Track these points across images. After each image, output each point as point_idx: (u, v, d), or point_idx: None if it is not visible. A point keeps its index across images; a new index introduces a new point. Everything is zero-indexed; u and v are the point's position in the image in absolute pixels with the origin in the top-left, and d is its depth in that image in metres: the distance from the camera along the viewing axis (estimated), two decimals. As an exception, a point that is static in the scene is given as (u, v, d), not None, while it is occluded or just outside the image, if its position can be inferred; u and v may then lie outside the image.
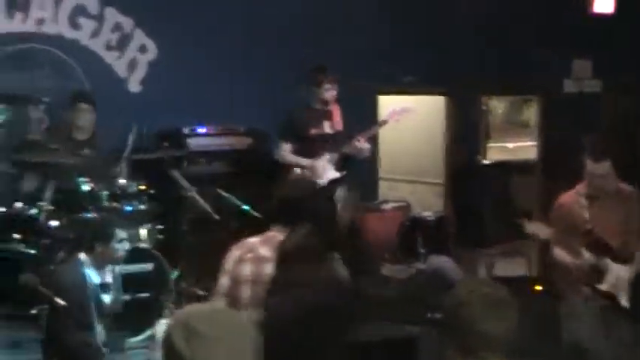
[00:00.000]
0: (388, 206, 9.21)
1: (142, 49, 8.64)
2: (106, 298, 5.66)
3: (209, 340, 2.46)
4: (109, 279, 5.72)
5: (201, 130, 8.37)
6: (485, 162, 10.04)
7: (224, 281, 4.63)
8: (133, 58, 8.60)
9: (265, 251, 4.49)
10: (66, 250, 6.59)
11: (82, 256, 5.66)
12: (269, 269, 4.29)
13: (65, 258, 6.39)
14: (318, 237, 4.04)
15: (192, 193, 7.43)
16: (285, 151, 7.66)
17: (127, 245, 5.74)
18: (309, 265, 3.78)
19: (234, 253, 4.63)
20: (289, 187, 5.10)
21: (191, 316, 2.53)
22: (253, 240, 4.64)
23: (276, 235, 4.50)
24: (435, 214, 9.25)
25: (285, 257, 3.89)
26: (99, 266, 5.64)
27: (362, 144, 7.65)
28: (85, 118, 7.64)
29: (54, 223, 7.09)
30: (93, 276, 5.60)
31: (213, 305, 2.65)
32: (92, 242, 5.76)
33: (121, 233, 5.69)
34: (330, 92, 7.65)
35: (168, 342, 2.50)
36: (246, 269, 4.53)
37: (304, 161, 7.60)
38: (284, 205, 4.66)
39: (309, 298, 3.63)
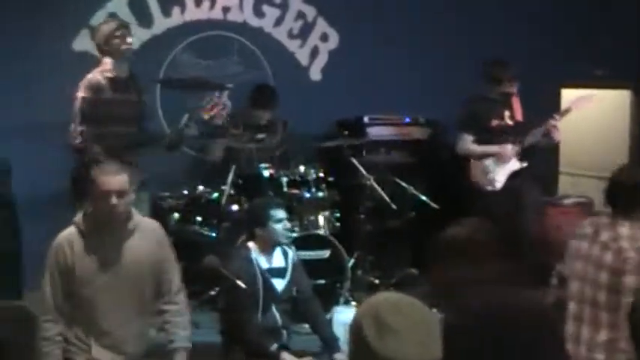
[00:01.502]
0: (569, 201, 8.94)
1: (324, 37, 8.70)
2: (279, 283, 5.69)
3: (398, 332, 2.44)
4: (280, 264, 5.74)
5: (381, 119, 8.35)
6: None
7: None
8: (314, 47, 8.68)
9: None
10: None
11: (251, 243, 5.72)
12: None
13: (241, 242, 6.50)
14: (504, 231, 3.90)
15: (371, 181, 7.43)
16: (468, 142, 7.50)
17: (287, 225, 5.72)
18: (499, 263, 3.62)
19: None
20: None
21: (381, 306, 2.50)
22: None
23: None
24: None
25: (473, 253, 3.65)
26: (264, 250, 5.68)
27: (557, 125, 7.42)
28: (265, 118, 7.74)
29: (234, 207, 7.25)
30: (261, 261, 5.63)
31: (401, 296, 2.61)
32: (250, 227, 5.81)
33: (279, 213, 5.67)
34: (510, 87, 7.47)
35: (357, 330, 2.48)
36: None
37: (492, 148, 7.44)
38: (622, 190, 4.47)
39: (513, 301, 3.47)
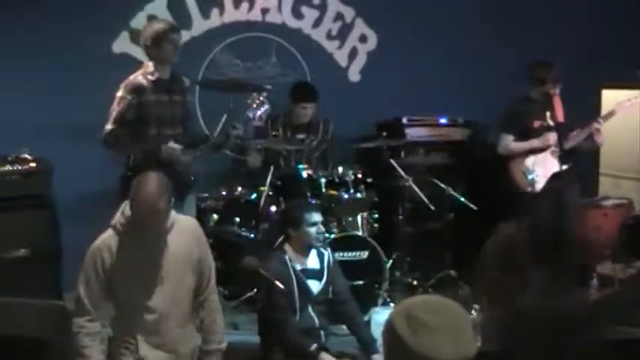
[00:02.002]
0: (609, 203, 8.85)
1: (362, 38, 8.70)
2: (315, 285, 5.69)
3: (432, 329, 2.45)
4: (315, 265, 5.75)
5: (420, 120, 8.34)
6: None
7: None
8: (353, 48, 8.68)
9: None
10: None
11: (287, 245, 5.73)
12: None
13: (278, 244, 6.51)
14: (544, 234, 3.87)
15: (409, 182, 7.42)
16: (509, 142, 7.46)
17: (321, 229, 5.71)
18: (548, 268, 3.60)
19: None
20: None
21: (415, 305, 2.51)
22: None
23: None
24: (661, 214, 8.83)
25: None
26: (299, 252, 5.69)
27: (598, 131, 7.37)
28: (305, 114, 7.75)
29: (273, 208, 7.26)
30: (296, 262, 5.64)
31: (435, 296, 2.63)
32: (284, 229, 5.82)
33: (313, 217, 5.67)
34: (553, 89, 7.42)
35: (391, 329, 2.49)
36: None
37: (534, 142, 7.39)
38: None
39: (558, 303, 3.45)
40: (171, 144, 6.32)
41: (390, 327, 2.52)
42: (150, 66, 6.41)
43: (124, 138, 6.30)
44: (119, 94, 6.33)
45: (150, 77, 6.38)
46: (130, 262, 4.67)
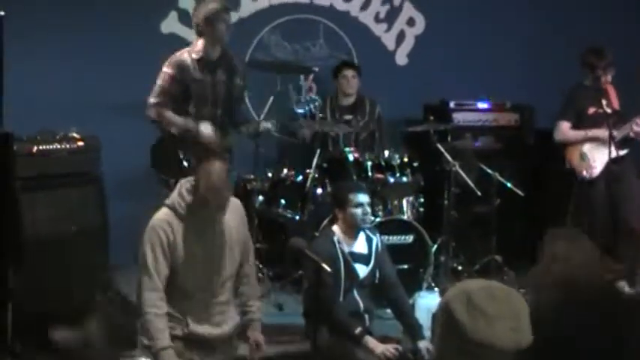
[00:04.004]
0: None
1: (410, 22, 8.65)
2: (362, 269, 5.67)
3: (492, 316, 2.43)
4: (363, 250, 5.72)
5: (467, 104, 8.28)
6: None
7: None
8: (400, 31, 8.63)
9: None
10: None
11: (335, 225, 5.72)
12: None
13: (325, 224, 6.51)
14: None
15: (456, 167, 7.37)
16: (565, 129, 7.38)
17: (367, 210, 5.68)
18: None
19: None
20: None
21: (474, 291, 2.49)
22: None
23: None
24: None
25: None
26: (347, 233, 5.67)
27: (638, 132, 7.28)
28: (350, 83, 7.76)
29: (319, 190, 7.26)
30: (344, 244, 5.63)
31: (493, 283, 2.60)
32: (331, 209, 5.83)
33: (359, 197, 5.64)
34: (604, 75, 7.32)
35: (447, 314, 2.47)
36: None
37: (592, 132, 7.31)
38: None
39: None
40: (204, 126, 6.38)
41: (446, 311, 2.49)
42: (199, 45, 6.44)
43: (164, 115, 6.39)
44: (164, 68, 6.42)
45: (194, 56, 6.43)
46: (188, 242, 4.75)
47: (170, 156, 6.41)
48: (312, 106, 7.08)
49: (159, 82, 6.39)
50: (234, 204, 5.01)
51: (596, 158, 7.23)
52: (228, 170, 4.94)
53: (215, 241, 4.85)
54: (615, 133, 7.12)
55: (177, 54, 6.45)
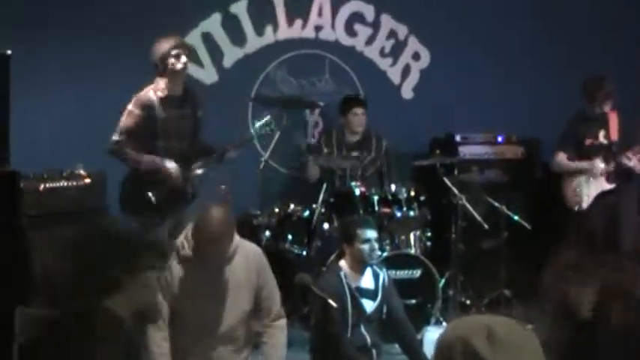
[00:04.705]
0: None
1: (416, 56, 8.67)
2: (369, 305, 5.66)
3: (516, 350, 2.39)
4: (370, 285, 5.71)
5: (474, 137, 8.28)
6: None
7: None
8: (406, 65, 8.65)
9: None
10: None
11: (342, 261, 5.71)
12: None
13: (333, 260, 6.49)
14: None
15: (463, 201, 7.36)
16: (562, 160, 7.42)
17: (374, 245, 5.67)
18: None
19: None
20: None
21: (494, 326, 2.46)
22: None
23: None
24: None
25: None
26: (354, 269, 5.66)
27: (633, 160, 7.30)
28: (359, 121, 7.77)
29: (326, 225, 7.25)
30: (351, 279, 5.61)
31: (505, 318, 2.57)
32: (339, 244, 5.83)
33: (367, 233, 5.64)
34: (605, 104, 7.35)
35: (468, 350, 2.43)
36: None
37: (583, 164, 7.33)
38: None
39: None
40: (169, 163, 6.44)
41: (465, 348, 2.45)
42: (160, 83, 6.48)
43: (127, 152, 6.42)
44: (129, 107, 6.47)
45: (160, 94, 6.48)
46: (190, 285, 4.76)
47: (136, 192, 6.43)
48: (267, 129, 6.99)
49: (124, 120, 6.43)
50: (250, 249, 5.00)
51: (589, 190, 7.23)
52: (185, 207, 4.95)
53: (217, 284, 4.82)
54: (603, 166, 7.16)
55: (142, 93, 6.50)
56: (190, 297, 4.75)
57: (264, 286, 4.99)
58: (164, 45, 6.48)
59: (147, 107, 6.44)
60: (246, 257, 4.90)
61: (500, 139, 8.37)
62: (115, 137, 6.42)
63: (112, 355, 2.89)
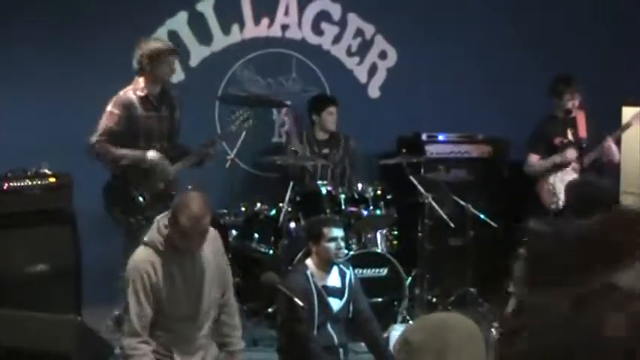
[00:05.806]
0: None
1: (382, 55, 8.69)
2: (336, 303, 5.66)
3: (456, 349, 2.43)
4: (337, 283, 5.72)
5: (440, 137, 8.31)
6: None
7: None
8: (373, 64, 8.66)
9: None
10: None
11: (309, 259, 5.72)
12: None
13: (299, 259, 6.50)
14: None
15: (429, 199, 7.38)
16: (534, 161, 7.47)
17: (340, 244, 5.68)
18: None
19: None
20: None
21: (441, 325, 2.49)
22: None
23: None
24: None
25: None
26: (321, 267, 5.67)
27: (611, 146, 7.35)
28: (334, 120, 7.78)
29: (292, 224, 7.25)
30: (317, 278, 5.62)
31: (453, 314, 2.62)
32: (305, 243, 5.86)
33: (333, 232, 5.65)
34: (572, 102, 7.40)
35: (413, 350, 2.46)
36: None
37: (556, 157, 7.38)
38: None
39: None
40: (152, 153, 6.42)
41: (411, 348, 2.48)
42: (140, 82, 6.45)
43: (109, 150, 6.38)
44: (108, 108, 6.42)
45: (139, 93, 6.45)
46: (170, 277, 4.80)
47: (123, 194, 6.40)
48: (245, 124, 6.95)
49: (104, 121, 6.38)
50: (211, 233, 5.02)
51: (561, 189, 7.27)
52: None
53: (195, 272, 4.89)
54: (580, 162, 7.20)
55: (122, 93, 6.46)
56: (172, 289, 4.81)
57: (227, 266, 5.21)
58: (156, 44, 6.49)
59: (127, 107, 6.40)
60: (211, 243, 4.98)
61: (466, 138, 8.39)
62: (95, 138, 6.36)
63: None
